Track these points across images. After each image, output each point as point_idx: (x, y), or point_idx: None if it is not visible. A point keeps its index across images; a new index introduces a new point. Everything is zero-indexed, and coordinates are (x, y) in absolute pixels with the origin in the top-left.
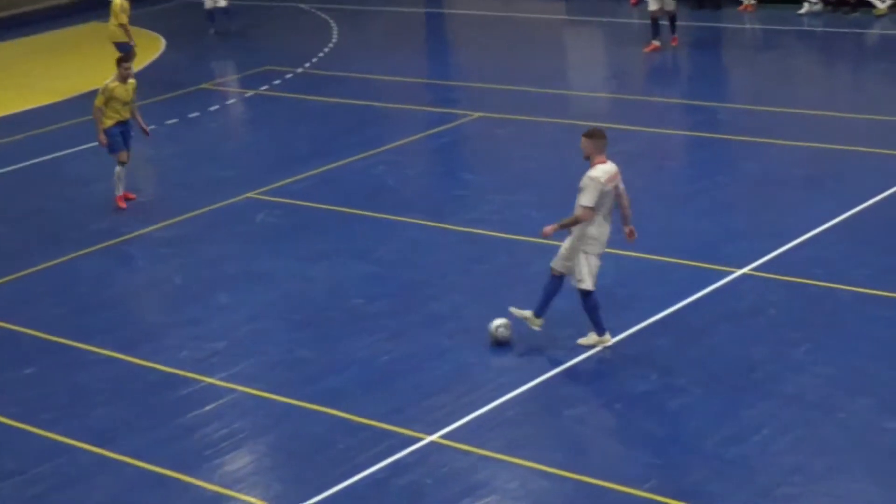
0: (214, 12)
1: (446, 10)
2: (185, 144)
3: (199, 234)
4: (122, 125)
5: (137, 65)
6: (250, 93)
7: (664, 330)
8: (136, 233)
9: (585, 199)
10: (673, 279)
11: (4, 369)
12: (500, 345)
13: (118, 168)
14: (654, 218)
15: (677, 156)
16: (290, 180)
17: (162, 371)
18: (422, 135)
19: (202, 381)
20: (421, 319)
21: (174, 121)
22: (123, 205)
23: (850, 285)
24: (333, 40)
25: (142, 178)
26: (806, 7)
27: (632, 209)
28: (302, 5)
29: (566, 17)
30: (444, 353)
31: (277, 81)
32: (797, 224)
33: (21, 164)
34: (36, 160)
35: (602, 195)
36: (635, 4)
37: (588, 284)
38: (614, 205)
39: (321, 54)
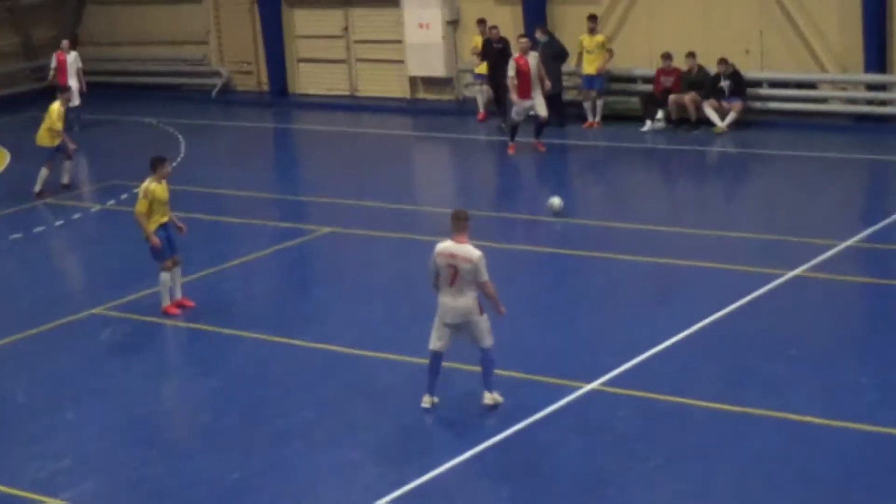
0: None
1: (294, 126)
2: (29, 259)
3: (43, 350)
4: (165, 228)
5: None
6: (96, 207)
7: (511, 447)
8: None
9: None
10: (520, 395)
11: None
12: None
13: (165, 275)
14: (500, 332)
15: (523, 271)
16: (136, 296)
17: (2, 492)
18: (270, 250)
19: (45, 501)
20: (269, 437)
21: (18, 235)
22: (176, 311)
23: (698, 399)
24: (181, 155)
25: None
26: (648, 125)
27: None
28: (148, 119)
29: (413, 132)
30: (293, 471)
31: (124, 196)
32: (644, 338)
33: None
34: None
35: (436, 265)
36: (483, 120)
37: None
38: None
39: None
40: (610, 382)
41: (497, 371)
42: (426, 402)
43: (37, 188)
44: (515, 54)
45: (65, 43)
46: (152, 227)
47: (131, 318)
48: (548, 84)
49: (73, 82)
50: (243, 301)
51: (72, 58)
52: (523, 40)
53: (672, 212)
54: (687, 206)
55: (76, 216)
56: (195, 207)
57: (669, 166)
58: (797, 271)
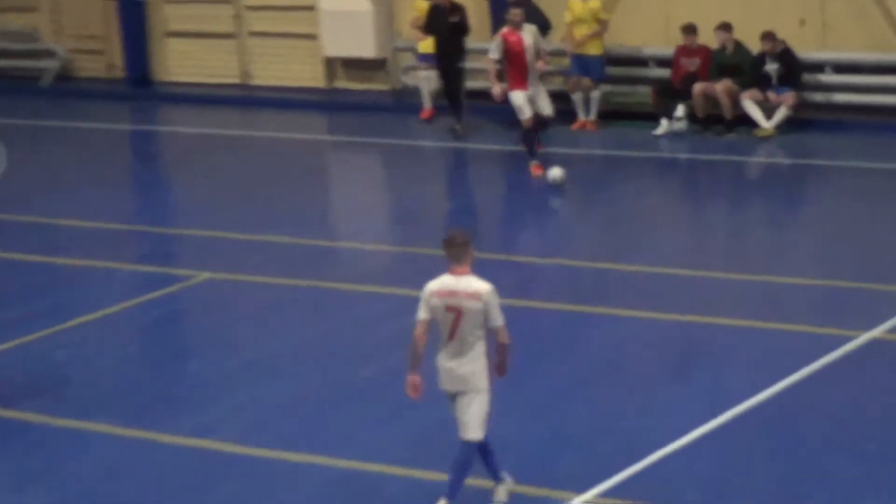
0: None
1: (161, 128)
2: None
3: None
4: None
5: None
6: None
7: None
8: None
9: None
10: None
11: None
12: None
13: None
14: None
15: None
16: None
17: None
18: (125, 304)
19: None
20: None
21: None
22: None
23: None
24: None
25: None
26: (664, 125)
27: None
28: None
29: (331, 136)
30: None
31: None
32: (659, 429)
33: None
34: None
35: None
36: (428, 119)
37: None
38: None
39: None
40: (613, 492)
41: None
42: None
43: None
44: (504, 29)
45: None
46: None
47: None
48: (542, 65)
49: None
50: (86, 378)
51: None
52: (515, 11)
53: (698, 249)
54: (718, 241)
55: None
56: (19, 244)
57: (694, 184)
58: (875, 332)
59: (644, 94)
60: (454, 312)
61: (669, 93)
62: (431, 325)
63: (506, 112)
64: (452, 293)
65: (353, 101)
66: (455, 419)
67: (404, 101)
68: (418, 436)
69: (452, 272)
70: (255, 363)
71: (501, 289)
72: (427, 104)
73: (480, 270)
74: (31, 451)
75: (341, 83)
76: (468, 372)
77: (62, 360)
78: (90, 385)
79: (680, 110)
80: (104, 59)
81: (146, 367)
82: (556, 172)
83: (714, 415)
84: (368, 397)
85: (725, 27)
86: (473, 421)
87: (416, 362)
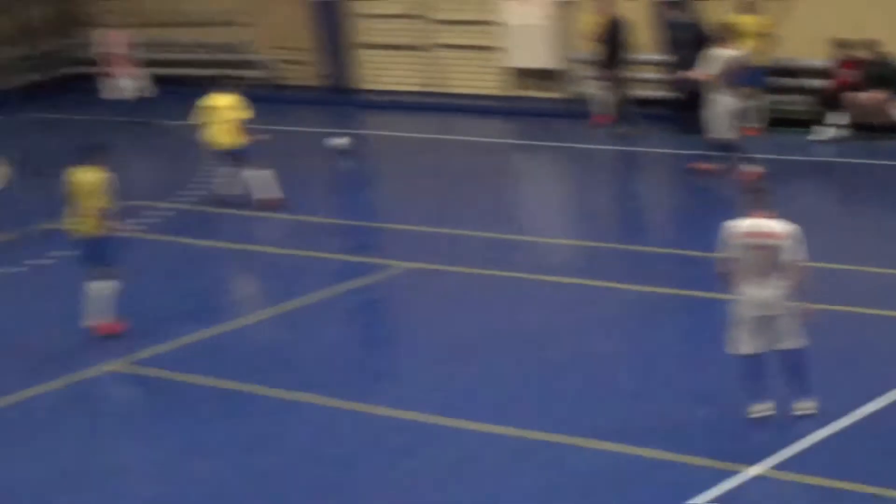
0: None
1: (358, 131)
2: (23, 300)
3: (44, 418)
4: None
5: None
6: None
7: None
8: None
9: None
10: (661, 481)
11: None
12: None
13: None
14: (638, 401)
15: (664, 319)
16: (160, 348)
17: None
18: (334, 290)
19: None
20: None
21: (8, 269)
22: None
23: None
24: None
25: None
26: (823, 131)
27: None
28: (170, 122)
29: (515, 140)
30: None
31: (143, 218)
32: (839, 398)
33: None
34: None
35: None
36: (602, 124)
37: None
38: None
39: (197, 186)
40: (782, 466)
41: (632, 449)
42: (758, 411)
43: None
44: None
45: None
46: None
47: (155, 375)
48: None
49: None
50: (302, 355)
51: (124, 38)
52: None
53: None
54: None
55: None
56: (234, 234)
57: (852, 187)
58: None
59: (799, 102)
60: (761, 251)
61: (827, 102)
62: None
63: (669, 118)
64: (761, 234)
65: (532, 108)
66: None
67: (577, 107)
68: (602, 411)
69: (755, 216)
70: (450, 344)
71: (671, 280)
72: (598, 111)
73: (651, 262)
74: (254, 419)
75: (520, 91)
76: (771, 295)
77: (279, 341)
78: (304, 362)
79: (837, 118)
80: (309, 69)
81: (352, 347)
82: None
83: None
84: (555, 376)
85: (872, 42)
86: (791, 330)
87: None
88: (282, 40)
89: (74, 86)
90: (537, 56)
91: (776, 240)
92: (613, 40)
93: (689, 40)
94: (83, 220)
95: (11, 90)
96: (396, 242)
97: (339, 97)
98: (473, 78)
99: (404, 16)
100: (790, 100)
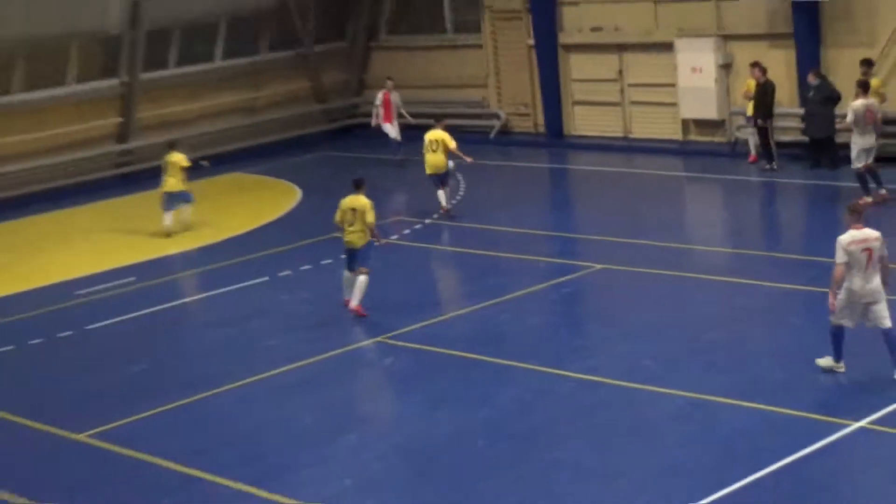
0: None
1: (569, 166)
2: (316, 290)
3: (328, 376)
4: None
5: (275, 213)
6: (381, 241)
7: (780, 483)
8: (264, 374)
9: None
10: (791, 432)
11: (146, 498)
12: None
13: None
14: (773, 370)
15: (796, 311)
16: (416, 326)
17: None
18: (543, 285)
19: None
20: (542, 466)
21: (307, 266)
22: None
23: None
24: (461, 192)
25: (273, 326)
26: None
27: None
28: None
29: (685, 173)
30: (564, 499)
31: (407, 231)
32: None
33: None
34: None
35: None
36: (754, 162)
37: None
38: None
39: (448, 206)
40: (879, 421)
41: (759, 405)
42: (836, 367)
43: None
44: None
45: (390, 83)
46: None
47: (411, 346)
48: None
49: (395, 119)
50: (517, 333)
51: (395, 97)
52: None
53: None
54: None
55: None
56: (473, 243)
57: None
58: None
59: None
60: (868, 253)
61: None
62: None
63: (804, 157)
64: (865, 240)
65: (701, 149)
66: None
67: (737, 149)
68: (751, 378)
69: (855, 228)
70: (631, 326)
71: (804, 278)
72: (752, 151)
73: (782, 265)
74: (483, 379)
75: (692, 136)
76: (875, 286)
77: (502, 321)
78: (520, 338)
79: None
80: (531, 120)
81: (557, 327)
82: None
83: None
84: (713, 351)
85: None
86: (886, 314)
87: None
88: (511, 97)
89: (357, 132)
90: (706, 109)
91: (873, 243)
92: (763, 98)
93: (820, 98)
94: (354, 233)
95: (311, 135)
96: (592, 249)
97: (554, 141)
98: (656, 126)
99: (604, 79)
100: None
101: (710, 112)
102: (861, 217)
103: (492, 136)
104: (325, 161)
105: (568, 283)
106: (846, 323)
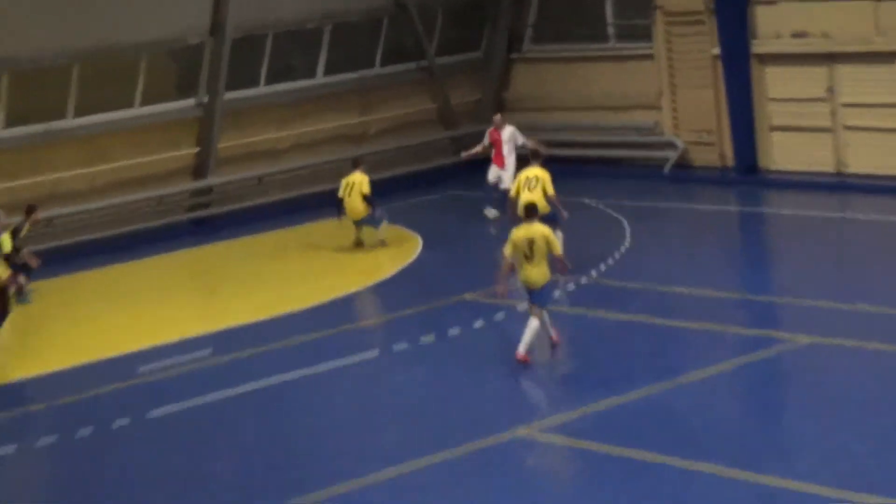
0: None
1: (765, 210)
2: (441, 366)
3: (455, 480)
4: None
5: (390, 269)
6: (523, 305)
7: None
8: (371, 476)
9: None
10: None
11: None
12: None
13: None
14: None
15: None
16: (569, 415)
17: None
18: (732, 362)
19: None
20: None
21: (430, 337)
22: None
23: None
24: (626, 244)
25: (382, 415)
26: None
27: None
28: (587, 200)
29: None
30: None
31: (557, 292)
32: None
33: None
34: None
35: None
36: None
37: None
38: None
39: (610, 260)
40: None
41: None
42: None
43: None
44: None
45: (497, 118)
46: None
47: (563, 442)
48: None
49: (510, 160)
50: (698, 425)
51: (507, 134)
52: None
53: None
54: None
55: (499, 316)
56: (641, 307)
57: None
58: None
59: None
60: None
61: None
62: None
63: None
64: None
65: None
66: None
67: None
68: None
69: None
70: (849, 416)
71: None
72: None
73: None
74: (653, 485)
75: None
76: None
77: (680, 410)
78: (702, 431)
79: None
80: (716, 150)
81: (749, 417)
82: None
83: None
84: None
85: None
86: None
87: None
88: (691, 122)
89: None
90: None
91: None
92: None
93: None
94: (533, 269)
95: (435, 169)
96: (797, 317)
97: (746, 177)
98: (879, 158)
99: (810, 99)
100: None
101: None
102: None
103: (666, 170)
104: (452, 202)
105: (763, 360)
106: None
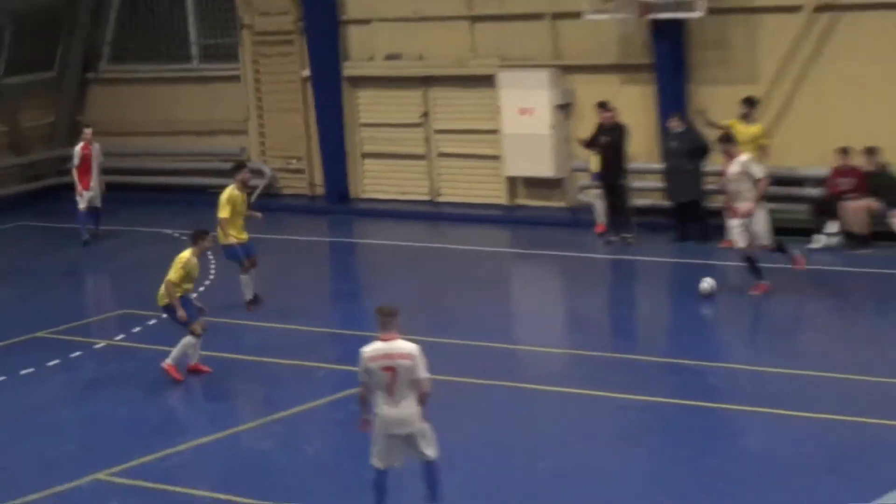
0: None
1: (357, 240)
2: (13, 409)
3: None
4: (185, 299)
5: None
6: (101, 343)
7: None
8: None
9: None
10: None
11: None
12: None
13: (191, 339)
14: None
15: (657, 428)
16: (150, 457)
17: None
18: (323, 400)
19: None
20: None
21: (2, 378)
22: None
23: None
24: (210, 277)
25: None
26: (819, 240)
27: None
28: (167, 230)
29: (512, 249)
30: None
31: (137, 329)
32: None
33: None
34: None
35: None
36: (602, 233)
37: None
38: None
39: (193, 295)
40: None
41: None
42: None
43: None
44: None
45: (87, 132)
46: (179, 294)
47: (144, 486)
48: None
49: (94, 182)
50: (286, 464)
51: (96, 150)
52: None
53: (858, 355)
54: (878, 349)
55: (75, 354)
56: (238, 345)
57: (845, 293)
58: None
59: (801, 211)
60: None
61: (824, 210)
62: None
63: (669, 227)
64: (388, 356)
65: (533, 217)
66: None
67: (580, 216)
68: None
69: (384, 339)
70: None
71: (661, 389)
72: (599, 219)
73: (640, 371)
74: None
75: (521, 200)
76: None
77: (267, 449)
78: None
79: (832, 226)
80: (306, 178)
81: (340, 458)
82: (706, 284)
83: None
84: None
85: (871, 151)
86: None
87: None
88: (279, 147)
89: (69, 193)
90: (538, 164)
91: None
92: (614, 149)
93: (685, 150)
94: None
95: (4, 198)
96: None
97: (336, 206)
98: (473, 187)
99: (403, 124)
100: (791, 209)
101: (545, 168)
102: (391, 324)
103: (252, 198)
104: (23, 233)
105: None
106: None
